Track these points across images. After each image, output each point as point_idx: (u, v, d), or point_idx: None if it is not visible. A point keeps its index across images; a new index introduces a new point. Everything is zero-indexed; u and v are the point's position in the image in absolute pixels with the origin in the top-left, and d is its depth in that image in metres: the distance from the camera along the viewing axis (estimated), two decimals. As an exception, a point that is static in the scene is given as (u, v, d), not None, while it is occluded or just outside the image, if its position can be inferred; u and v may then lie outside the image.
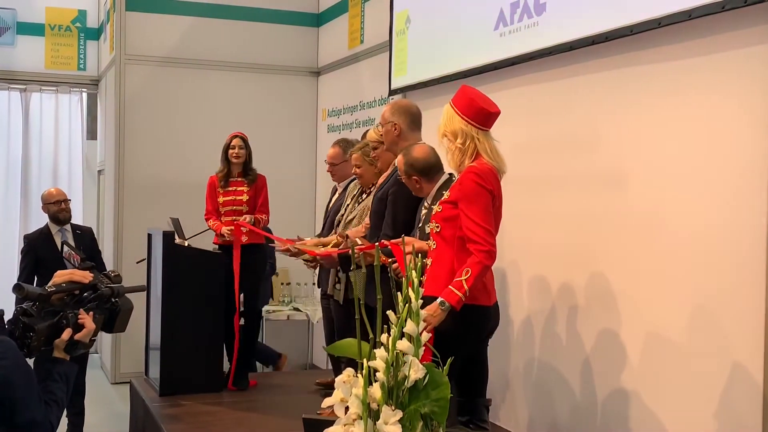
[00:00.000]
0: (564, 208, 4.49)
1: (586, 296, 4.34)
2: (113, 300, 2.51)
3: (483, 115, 3.43)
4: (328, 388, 5.73)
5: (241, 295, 5.84)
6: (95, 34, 9.39)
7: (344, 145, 5.49)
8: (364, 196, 4.95)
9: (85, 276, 2.45)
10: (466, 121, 3.41)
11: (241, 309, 5.95)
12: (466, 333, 3.35)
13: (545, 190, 4.59)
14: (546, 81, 4.64)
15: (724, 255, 3.53)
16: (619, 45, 4.05)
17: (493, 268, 3.52)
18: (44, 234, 6.03)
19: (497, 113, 3.49)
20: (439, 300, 3.23)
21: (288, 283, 8.19)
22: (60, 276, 2.42)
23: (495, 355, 3.75)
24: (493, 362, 3.76)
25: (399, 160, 3.93)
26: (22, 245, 6.17)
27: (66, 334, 2.36)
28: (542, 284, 4.66)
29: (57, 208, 6.02)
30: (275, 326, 8.01)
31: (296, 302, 8.06)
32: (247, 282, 5.83)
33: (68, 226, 6.08)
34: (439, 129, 3.50)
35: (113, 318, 2.51)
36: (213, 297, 5.66)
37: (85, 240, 6.17)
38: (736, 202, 3.47)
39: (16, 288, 2.38)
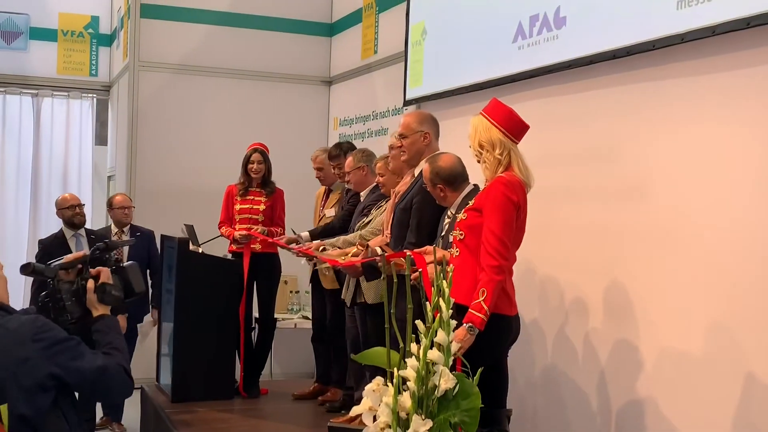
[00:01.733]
0: (581, 220, 4.51)
1: (603, 308, 4.36)
2: (114, 258, 2.75)
3: (519, 128, 3.48)
4: (306, 399, 5.80)
5: (256, 303, 5.87)
6: (107, 40, 9.42)
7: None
8: (383, 202, 4.96)
9: (81, 252, 2.71)
10: (503, 132, 3.44)
11: (256, 316, 5.98)
12: (489, 342, 3.37)
13: (562, 202, 4.61)
14: (564, 93, 4.68)
15: (742, 268, 3.55)
16: (640, 59, 4.08)
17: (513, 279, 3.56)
18: (59, 238, 6.07)
19: (528, 128, 3.53)
20: (467, 326, 3.27)
21: (297, 291, 8.20)
22: (64, 259, 2.66)
23: (515, 365, 3.76)
24: (513, 372, 3.77)
25: (425, 169, 3.95)
26: (29, 248, 6.20)
27: (89, 284, 2.59)
28: (559, 295, 4.68)
29: (71, 212, 6.07)
30: (283, 334, 8.01)
31: (305, 310, 8.06)
32: (262, 289, 5.86)
33: (83, 231, 6.13)
34: (473, 139, 3.51)
35: (127, 280, 2.70)
36: (226, 304, 5.68)
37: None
38: (754, 216, 3.50)
39: (24, 267, 2.57)
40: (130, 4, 7.93)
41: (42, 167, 9.26)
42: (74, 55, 9.30)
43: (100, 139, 9.70)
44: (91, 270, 2.64)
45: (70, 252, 5.90)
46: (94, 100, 9.54)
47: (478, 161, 3.54)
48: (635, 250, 4.14)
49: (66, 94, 9.36)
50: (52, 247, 5.98)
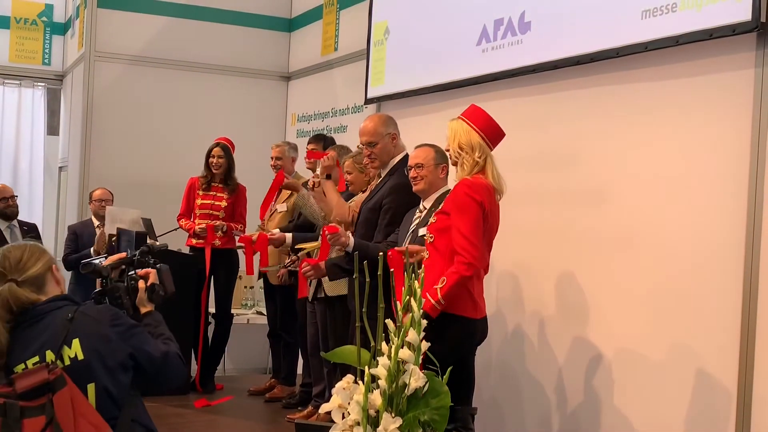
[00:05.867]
0: (541, 222, 4.59)
1: (561, 308, 4.45)
2: (153, 259, 3.03)
3: (496, 135, 3.55)
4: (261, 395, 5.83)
5: (212, 298, 5.84)
6: (61, 29, 9.25)
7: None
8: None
9: (123, 254, 3.03)
10: (482, 137, 3.49)
11: (212, 311, 5.95)
12: (454, 344, 3.43)
13: (523, 204, 4.68)
14: (527, 96, 4.75)
15: (699, 271, 3.67)
16: (603, 66, 4.18)
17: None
18: None
19: (504, 135, 3.60)
20: None
21: (251, 287, 8.15)
22: (108, 260, 3.00)
23: (476, 364, 3.82)
24: (476, 370, 3.82)
25: (426, 153, 3.91)
26: None
27: (141, 284, 2.90)
28: (517, 296, 4.76)
29: (4, 204, 6.13)
30: (236, 330, 7.96)
31: (259, 306, 8.03)
32: (220, 285, 5.83)
33: (15, 222, 6.17)
34: (452, 141, 3.55)
35: (161, 281, 2.98)
36: (183, 299, 5.64)
37: (31, 235, 6.21)
38: (713, 220, 3.62)
39: (85, 266, 2.96)
40: (88, -7, 7.81)
41: (-8, 156, 9.07)
42: (27, 43, 9.12)
43: (51, 129, 9.52)
44: (139, 271, 2.94)
45: (6, 241, 5.85)
46: (46, 89, 9.36)
47: (454, 164, 3.59)
48: (594, 253, 4.24)
49: (18, 82, 9.16)
50: None
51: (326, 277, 4.69)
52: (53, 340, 2.56)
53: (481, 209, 3.44)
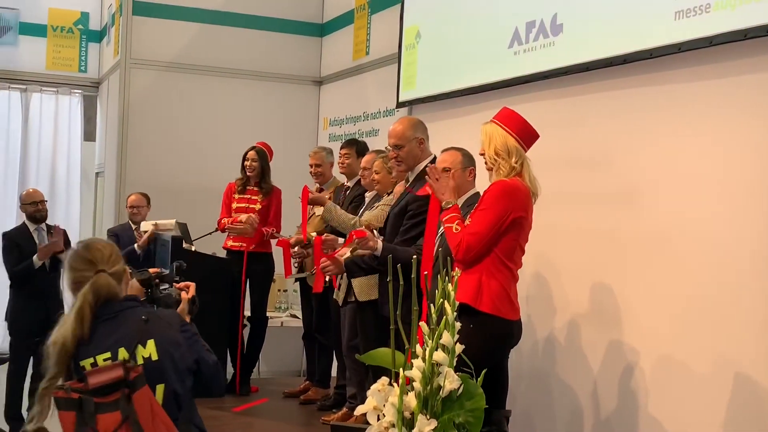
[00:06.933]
0: (572, 224, 4.58)
1: (593, 312, 4.43)
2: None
3: (531, 137, 3.56)
4: (296, 397, 5.87)
5: (248, 302, 5.90)
6: (97, 36, 9.40)
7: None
8: (377, 203, 4.99)
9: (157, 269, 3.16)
10: (518, 140, 3.50)
11: (248, 315, 6.01)
12: (492, 345, 3.44)
13: (554, 207, 4.67)
14: (559, 98, 4.75)
15: (733, 273, 3.64)
16: (636, 67, 4.16)
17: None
18: (22, 231, 6.19)
19: (538, 137, 3.61)
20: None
21: (285, 290, 8.21)
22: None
23: (510, 368, 3.83)
24: (510, 374, 3.83)
25: (454, 156, 3.92)
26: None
27: (184, 295, 3.06)
28: (549, 299, 4.75)
29: (34, 208, 6.20)
30: (270, 332, 8.03)
31: (293, 309, 8.08)
32: (255, 288, 5.89)
33: (44, 225, 6.24)
34: (487, 146, 3.55)
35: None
36: (219, 302, 5.70)
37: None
38: (748, 222, 3.58)
39: (141, 272, 3.07)
40: (123, 1, 7.92)
41: (30, 163, 9.21)
42: (63, 50, 9.27)
43: (87, 135, 9.67)
44: (180, 284, 3.11)
45: (35, 244, 5.95)
46: (82, 96, 9.51)
47: (489, 169, 3.59)
48: (626, 255, 4.22)
49: (55, 89, 9.32)
50: (18, 238, 6.11)
51: (356, 282, 4.73)
52: (128, 339, 2.65)
53: (506, 214, 3.44)
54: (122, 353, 2.62)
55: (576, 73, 4.53)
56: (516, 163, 3.50)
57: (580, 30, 4.47)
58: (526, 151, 3.57)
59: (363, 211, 5.13)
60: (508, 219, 3.44)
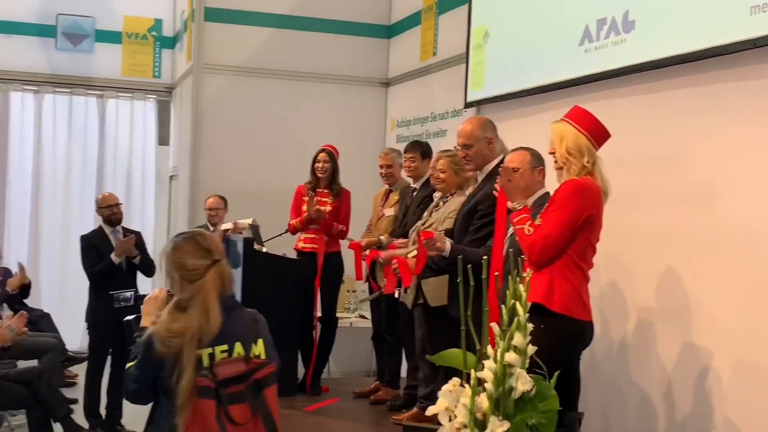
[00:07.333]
0: (647, 224, 4.51)
1: (668, 314, 4.35)
2: None
3: (603, 136, 3.53)
4: (366, 397, 5.89)
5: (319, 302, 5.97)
6: (170, 42, 9.62)
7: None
8: (441, 203, 4.99)
9: None
10: (590, 139, 3.47)
11: (319, 315, 6.08)
12: (564, 346, 3.41)
13: (628, 206, 4.61)
14: (631, 96, 4.68)
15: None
16: (710, 63, 4.08)
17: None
18: (99, 234, 6.33)
19: (610, 136, 3.57)
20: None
21: (354, 291, 8.26)
22: None
23: (584, 368, 3.80)
24: (583, 375, 3.80)
25: (522, 156, 3.90)
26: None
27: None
28: (623, 300, 4.68)
29: (109, 212, 6.33)
30: (339, 333, 8.08)
31: (362, 309, 8.13)
32: (326, 289, 5.94)
33: (120, 228, 6.36)
34: (559, 144, 3.53)
35: None
36: (290, 302, 5.78)
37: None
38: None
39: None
40: (195, 7, 8.09)
41: (106, 167, 9.50)
42: (138, 57, 9.51)
43: (161, 139, 9.90)
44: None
45: (111, 246, 6.10)
46: (156, 101, 9.74)
47: (560, 168, 3.57)
48: (700, 255, 4.14)
49: (130, 95, 9.57)
50: (95, 241, 6.25)
51: (427, 287, 4.73)
52: (243, 335, 2.75)
53: (578, 213, 3.41)
54: (238, 348, 2.71)
55: (648, 71, 4.46)
56: (587, 162, 3.47)
57: (652, 27, 4.40)
58: (597, 150, 3.53)
59: (431, 211, 5.13)
60: (581, 218, 3.41)
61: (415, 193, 5.59)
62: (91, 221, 9.03)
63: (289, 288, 5.80)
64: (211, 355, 2.67)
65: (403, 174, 5.93)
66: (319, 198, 6.00)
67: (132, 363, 2.81)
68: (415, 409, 5.11)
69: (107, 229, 6.31)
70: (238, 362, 2.67)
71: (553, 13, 5.32)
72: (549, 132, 3.63)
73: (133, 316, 3.18)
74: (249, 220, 6.29)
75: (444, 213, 4.89)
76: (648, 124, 4.56)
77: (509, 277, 2.66)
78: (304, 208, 5.97)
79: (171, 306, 2.74)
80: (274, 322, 5.73)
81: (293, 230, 6.10)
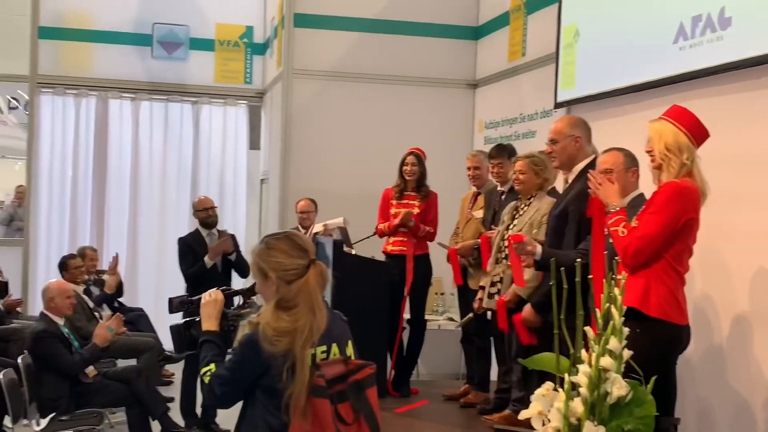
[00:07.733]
0: (744, 223, 4.38)
1: (766, 314, 4.22)
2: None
3: (703, 135, 3.46)
4: (455, 400, 5.84)
5: (407, 304, 5.99)
6: (261, 49, 9.81)
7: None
8: (524, 207, 4.94)
9: None
10: (690, 138, 3.41)
11: (408, 317, 6.10)
12: (661, 351, 3.35)
13: (726, 208, 4.48)
14: (728, 94, 4.55)
15: None
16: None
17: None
18: (196, 236, 6.52)
19: (709, 136, 3.49)
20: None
21: (442, 293, 8.26)
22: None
23: (678, 374, 3.71)
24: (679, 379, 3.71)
25: (616, 157, 3.85)
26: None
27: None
28: (723, 305, 4.55)
29: (205, 214, 6.51)
30: (428, 335, 8.09)
31: (450, 312, 8.12)
32: (414, 291, 5.96)
33: (215, 230, 6.54)
34: (657, 142, 3.47)
35: None
36: (378, 304, 5.81)
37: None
38: None
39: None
40: (285, 14, 8.23)
41: (201, 171, 9.77)
42: (230, 63, 9.74)
43: (253, 143, 10.10)
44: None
45: (207, 248, 6.25)
46: (248, 106, 9.95)
47: (657, 167, 3.49)
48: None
49: (223, 101, 9.81)
50: (192, 243, 6.43)
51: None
52: (337, 336, 2.77)
53: (678, 217, 3.34)
54: (334, 349, 2.74)
55: (746, 68, 4.32)
56: (687, 159, 3.40)
57: (749, 23, 4.27)
58: (696, 149, 3.45)
59: (512, 215, 5.09)
60: (681, 221, 3.35)
61: (503, 197, 5.55)
62: (185, 223, 9.31)
63: (378, 290, 5.83)
64: (313, 356, 2.68)
65: (491, 176, 5.90)
66: (407, 201, 6.02)
67: (208, 368, 2.77)
68: (507, 411, 5.07)
69: (203, 232, 6.50)
70: (337, 363, 2.69)
71: (646, 10, 5.21)
72: (642, 132, 3.57)
73: (182, 321, 3.14)
74: (340, 219, 6.36)
75: (529, 216, 4.85)
76: (747, 123, 4.42)
77: (604, 280, 2.62)
78: (393, 212, 6.00)
79: (272, 306, 2.73)
80: (363, 325, 5.86)
81: (381, 234, 6.15)
